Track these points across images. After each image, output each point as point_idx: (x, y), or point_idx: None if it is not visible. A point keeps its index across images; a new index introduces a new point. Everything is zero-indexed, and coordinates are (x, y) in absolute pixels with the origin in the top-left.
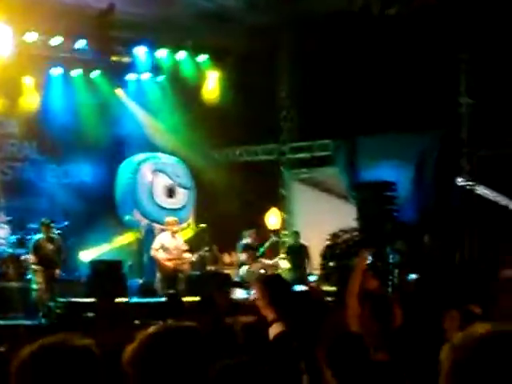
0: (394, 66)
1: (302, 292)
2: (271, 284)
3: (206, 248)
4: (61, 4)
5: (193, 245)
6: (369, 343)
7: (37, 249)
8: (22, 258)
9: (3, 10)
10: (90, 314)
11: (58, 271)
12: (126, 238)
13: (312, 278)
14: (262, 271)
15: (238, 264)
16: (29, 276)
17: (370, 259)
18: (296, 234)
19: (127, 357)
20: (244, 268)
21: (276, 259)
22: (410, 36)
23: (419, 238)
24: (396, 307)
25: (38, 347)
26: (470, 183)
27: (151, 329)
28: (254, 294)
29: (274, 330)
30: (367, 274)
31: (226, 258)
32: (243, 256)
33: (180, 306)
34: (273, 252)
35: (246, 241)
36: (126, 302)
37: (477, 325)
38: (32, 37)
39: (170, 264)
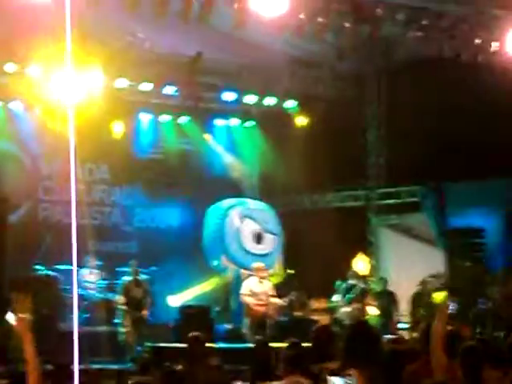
0: (485, 112)
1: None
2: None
3: (294, 293)
4: (150, 51)
5: (280, 290)
6: None
7: (125, 291)
8: (111, 299)
9: (95, 57)
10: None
11: (145, 312)
12: (214, 283)
13: (401, 326)
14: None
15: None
16: (117, 320)
17: (452, 307)
18: (383, 281)
19: None
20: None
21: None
22: (500, 83)
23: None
24: (486, 363)
25: None
26: None
27: None
28: None
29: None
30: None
31: (314, 304)
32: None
33: (268, 353)
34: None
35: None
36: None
37: None
38: (122, 83)
39: (259, 309)
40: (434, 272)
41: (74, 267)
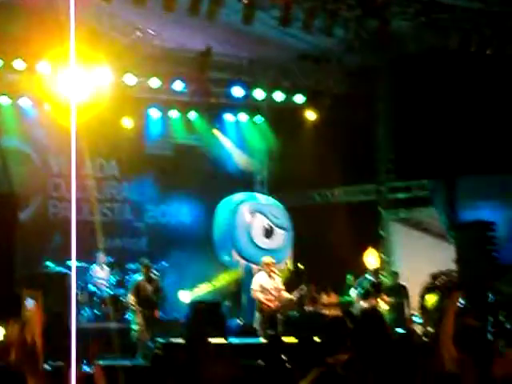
0: (496, 104)
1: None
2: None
3: (304, 288)
4: (158, 47)
5: (290, 285)
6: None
7: (136, 290)
8: (122, 298)
9: (102, 53)
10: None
11: (157, 312)
12: (225, 279)
13: (414, 320)
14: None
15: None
16: (128, 316)
17: (461, 302)
18: (395, 275)
19: None
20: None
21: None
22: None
23: None
24: (498, 355)
25: None
26: None
27: None
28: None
29: None
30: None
31: (324, 299)
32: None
33: (280, 347)
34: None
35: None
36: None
37: None
38: (130, 79)
39: (270, 304)
40: (443, 266)
41: (73, 262)
